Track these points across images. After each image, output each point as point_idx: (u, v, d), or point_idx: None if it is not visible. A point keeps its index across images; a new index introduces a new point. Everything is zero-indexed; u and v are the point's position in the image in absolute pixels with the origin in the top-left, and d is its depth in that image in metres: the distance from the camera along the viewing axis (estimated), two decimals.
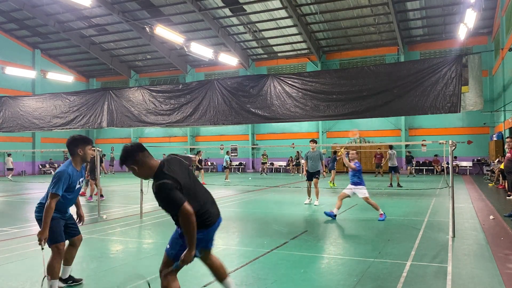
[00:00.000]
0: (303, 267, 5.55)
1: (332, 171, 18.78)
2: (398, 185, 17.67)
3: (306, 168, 12.22)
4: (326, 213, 9.45)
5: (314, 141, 12.49)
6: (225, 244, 7.06)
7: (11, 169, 26.73)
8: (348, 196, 9.47)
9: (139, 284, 4.87)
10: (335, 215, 9.32)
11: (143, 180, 10.67)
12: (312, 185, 12.13)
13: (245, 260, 5.87)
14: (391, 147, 19.06)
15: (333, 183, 18.12)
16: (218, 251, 6.53)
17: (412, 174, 25.35)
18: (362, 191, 9.27)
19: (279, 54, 31.39)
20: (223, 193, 15.86)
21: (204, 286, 4.76)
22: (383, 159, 24.89)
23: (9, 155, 27.19)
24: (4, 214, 10.98)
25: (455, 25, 24.19)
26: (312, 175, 12.10)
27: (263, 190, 15.60)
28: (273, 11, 25.68)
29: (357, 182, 9.31)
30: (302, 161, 12.76)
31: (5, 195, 16.10)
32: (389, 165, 18.24)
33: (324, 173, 12.90)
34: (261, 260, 5.88)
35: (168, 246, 3.58)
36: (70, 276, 4.87)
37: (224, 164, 23.72)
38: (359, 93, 12.37)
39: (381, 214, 9.21)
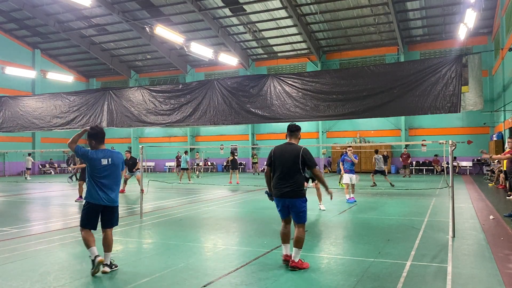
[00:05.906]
0: None
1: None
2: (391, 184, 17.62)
3: None
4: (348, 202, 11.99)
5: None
6: (225, 244, 7.06)
7: (29, 169, 27.41)
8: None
9: (139, 284, 4.88)
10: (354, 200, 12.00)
11: (143, 179, 10.63)
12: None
13: (245, 260, 5.87)
14: (376, 151, 18.62)
15: (342, 184, 17.97)
16: (218, 251, 6.53)
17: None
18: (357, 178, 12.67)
19: (279, 54, 31.40)
20: (223, 193, 15.85)
21: (204, 286, 4.77)
22: (409, 158, 24.84)
23: (29, 154, 27.70)
24: (4, 214, 10.97)
25: (455, 25, 24.18)
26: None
27: (263, 190, 15.58)
28: (273, 11, 25.68)
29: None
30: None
31: (5, 195, 16.11)
32: (375, 169, 18.02)
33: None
34: (261, 260, 5.87)
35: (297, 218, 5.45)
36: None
37: (184, 165, 22.20)
38: (359, 93, 12.39)
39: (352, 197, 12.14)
